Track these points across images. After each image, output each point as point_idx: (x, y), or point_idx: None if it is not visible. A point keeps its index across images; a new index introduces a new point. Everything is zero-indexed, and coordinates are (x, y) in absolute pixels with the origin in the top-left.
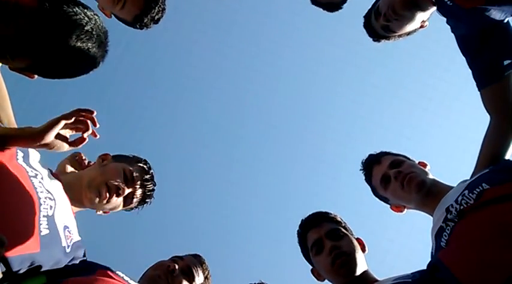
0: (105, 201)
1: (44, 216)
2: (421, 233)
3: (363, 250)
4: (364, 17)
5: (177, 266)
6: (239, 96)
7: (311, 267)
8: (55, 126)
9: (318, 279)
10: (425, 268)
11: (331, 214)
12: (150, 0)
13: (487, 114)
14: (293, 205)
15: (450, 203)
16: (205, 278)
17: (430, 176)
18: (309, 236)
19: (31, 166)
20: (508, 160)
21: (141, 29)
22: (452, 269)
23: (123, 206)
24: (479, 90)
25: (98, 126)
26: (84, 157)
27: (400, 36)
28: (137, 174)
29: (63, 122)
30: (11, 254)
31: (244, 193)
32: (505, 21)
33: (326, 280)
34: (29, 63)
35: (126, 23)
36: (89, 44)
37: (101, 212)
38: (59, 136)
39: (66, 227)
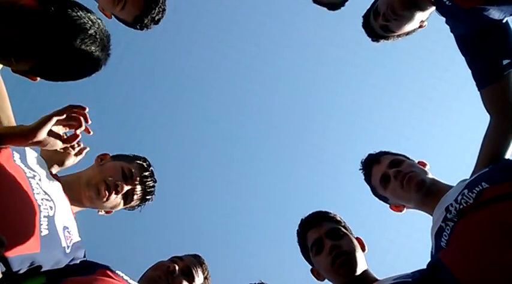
0: (104, 199)
1: (44, 216)
2: (421, 233)
3: (363, 249)
4: (363, 17)
5: (177, 267)
6: (239, 96)
7: (310, 267)
8: (47, 123)
9: (317, 279)
10: (425, 267)
11: (330, 213)
12: (150, 1)
13: (487, 113)
14: (293, 205)
15: (450, 202)
16: (205, 278)
17: (430, 175)
18: (308, 235)
19: (29, 167)
20: (508, 159)
21: (141, 30)
22: (452, 270)
23: (124, 204)
24: (479, 89)
25: (90, 122)
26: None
27: (399, 36)
28: (136, 171)
29: (54, 119)
30: (11, 254)
31: (244, 193)
32: (504, 20)
33: (326, 280)
34: (32, 66)
35: (126, 24)
36: (93, 48)
37: (102, 212)
38: (51, 134)
39: (65, 228)
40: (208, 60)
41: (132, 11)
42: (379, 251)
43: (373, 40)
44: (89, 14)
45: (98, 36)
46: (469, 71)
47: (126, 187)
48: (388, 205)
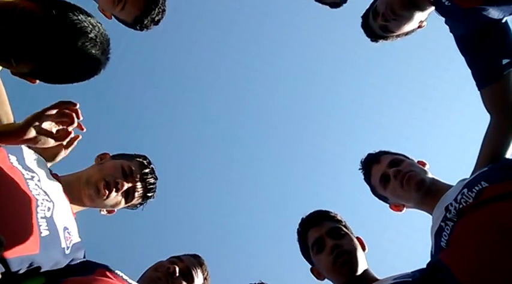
0: (104, 197)
1: (42, 218)
2: (421, 233)
3: (363, 249)
4: (362, 17)
5: (177, 269)
6: (239, 96)
7: (310, 266)
8: (36, 120)
9: (317, 278)
10: (425, 267)
11: (331, 212)
12: (150, 2)
13: (487, 113)
14: (293, 205)
15: (449, 202)
16: (204, 279)
17: (429, 175)
18: (309, 234)
19: (27, 168)
20: (508, 158)
21: (141, 30)
22: (453, 270)
23: (126, 202)
24: (479, 89)
25: (81, 118)
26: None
27: (398, 36)
28: (136, 169)
29: (44, 115)
30: (10, 255)
31: (244, 192)
32: (503, 20)
33: (326, 280)
34: (32, 68)
35: (126, 24)
36: (93, 51)
37: (104, 211)
38: (43, 131)
39: (65, 228)
40: (208, 60)
41: (132, 11)
42: (379, 251)
43: (372, 40)
44: (89, 18)
45: (98, 40)
46: (469, 71)
47: (127, 185)
48: (387, 205)
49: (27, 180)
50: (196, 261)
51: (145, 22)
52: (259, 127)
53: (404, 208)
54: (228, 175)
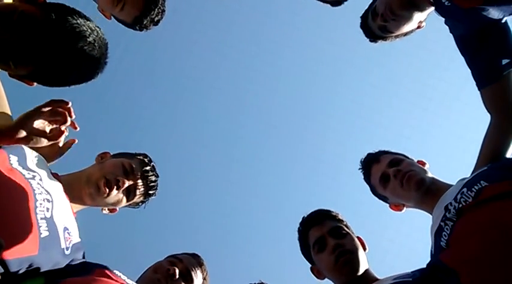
0: (105, 195)
1: (41, 218)
2: (421, 232)
3: (364, 248)
4: (361, 17)
5: (177, 271)
6: (239, 96)
7: (310, 266)
8: (29, 119)
9: (317, 278)
10: (425, 267)
11: (333, 212)
12: (149, 2)
13: (487, 113)
14: (293, 205)
15: (449, 201)
16: (204, 279)
17: (429, 174)
18: (310, 234)
19: (28, 169)
20: (507, 158)
21: (141, 31)
22: (458, 271)
23: (127, 201)
24: (479, 89)
25: (74, 116)
26: None
27: (397, 36)
28: (137, 166)
29: (36, 114)
30: (9, 256)
31: (244, 192)
32: (503, 20)
33: (326, 279)
34: (31, 71)
35: (125, 25)
36: (91, 55)
37: (106, 210)
38: (35, 131)
39: (65, 229)
40: (208, 60)
41: (132, 11)
42: (379, 251)
43: (371, 40)
44: (88, 22)
45: (96, 44)
46: (469, 71)
47: (128, 183)
48: (387, 205)
49: (29, 180)
50: (195, 261)
51: (144, 22)
52: (259, 127)
53: (404, 208)
54: (228, 174)
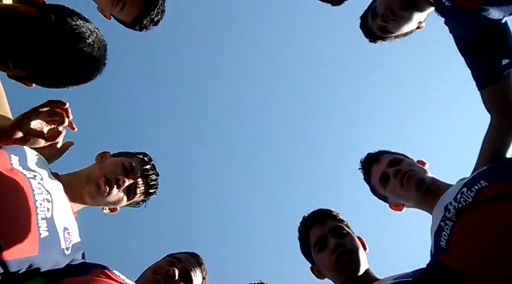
0: (105, 194)
1: (42, 219)
2: (421, 232)
3: (364, 248)
4: (361, 17)
5: (177, 272)
6: (239, 96)
7: (310, 265)
8: (26, 119)
9: (317, 277)
10: (425, 267)
11: (333, 211)
12: (149, 2)
13: (487, 113)
14: (292, 205)
15: (449, 201)
16: (203, 278)
17: (429, 174)
18: (311, 233)
19: (28, 169)
20: (507, 158)
21: (140, 31)
22: (462, 271)
23: (128, 200)
24: (479, 90)
25: (71, 117)
26: None
27: (396, 37)
28: (137, 165)
29: (33, 115)
30: (9, 257)
31: (244, 192)
32: (503, 20)
33: (326, 279)
34: (30, 72)
35: (125, 25)
36: (90, 56)
37: (107, 210)
38: (33, 132)
39: (65, 229)
40: (208, 60)
41: (131, 12)
42: (379, 251)
43: (370, 41)
44: (87, 23)
45: (95, 46)
46: (469, 71)
47: (128, 181)
48: (387, 205)
49: (30, 179)
50: (194, 261)
51: (144, 22)
52: (259, 127)
53: (404, 208)
54: (228, 174)
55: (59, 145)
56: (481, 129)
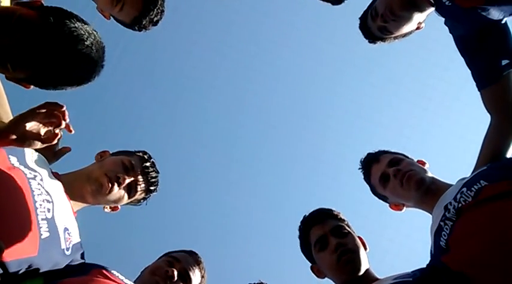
0: (106, 192)
1: (42, 219)
2: (421, 232)
3: (365, 248)
4: (360, 18)
5: (175, 272)
6: (238, 95)
7: (310, 265)
8: (22, 121)
9: (318, 276)
10: (425, 267)
11: (334, 211)
12: (148, 2)
13: (487, 113)
14: (293, 204)
15: (449, 201)
16: (202, 277)
17: (429, 174)
18: (312, 232)
19: (29, 168)
20: (507, 157)
21: (140, 31)
22: (465, 272)
23: (129, 197)
24: (479, 90)
25: (68, 120)
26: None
27: (396, 37)
28: (136, 163)
29: (30, 116)
30: (8, 258)
31: (244, 192)
32: (503, 21)
33: (326, 278)
34: (28, 74)
35: (124, 25)
36: (88, 58)
37: (108, 208)
38: (29, 133)
39: (66, 229)
40: (207, 60)
41: (131, 12)
42: (379, 251)
43: (369, 41)
44: (85, 26)
45: (94, 48)
46: (469, 71)
47: (128, 179)
48: (387, 204)
49: (30, 179)
50: (192, 259)
51: (143, 23)
52: (259, 127)
53: (404, 208)
54: (228, 174)
55: (56, 148)
56: (481, 129)
